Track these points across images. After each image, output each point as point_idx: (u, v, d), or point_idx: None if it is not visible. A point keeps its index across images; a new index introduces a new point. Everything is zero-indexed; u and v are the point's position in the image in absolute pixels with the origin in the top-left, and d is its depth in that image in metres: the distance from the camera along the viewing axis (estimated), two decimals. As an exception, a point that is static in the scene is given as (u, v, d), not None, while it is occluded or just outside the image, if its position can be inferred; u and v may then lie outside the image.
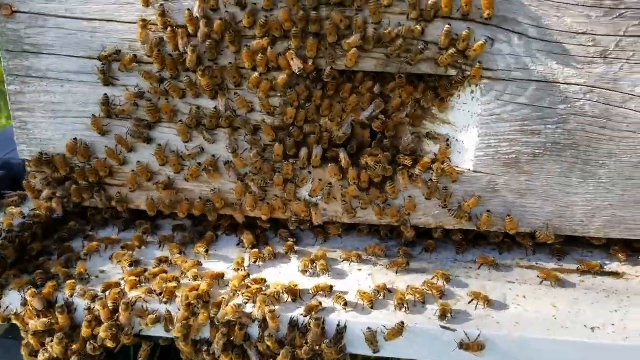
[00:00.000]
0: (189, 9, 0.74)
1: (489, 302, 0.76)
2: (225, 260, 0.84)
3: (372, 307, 0.74)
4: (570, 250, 0.92)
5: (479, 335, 0.71)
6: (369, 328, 0.72)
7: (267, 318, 0.72)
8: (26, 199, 0.88)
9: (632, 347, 0.72)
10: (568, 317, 0.77)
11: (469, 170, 0.82)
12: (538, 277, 0.82)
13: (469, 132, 0.80)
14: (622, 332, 0.74)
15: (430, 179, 0.82)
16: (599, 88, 0.77)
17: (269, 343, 0.72)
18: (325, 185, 0.83)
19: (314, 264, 0.81)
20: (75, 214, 0.89)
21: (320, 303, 0.75)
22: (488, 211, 0.82)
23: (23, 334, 0.76)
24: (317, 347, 0.72)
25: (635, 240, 0.88)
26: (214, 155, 0.82)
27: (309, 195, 0.84)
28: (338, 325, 0.73)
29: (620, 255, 0.89)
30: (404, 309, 0.74)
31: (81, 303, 0.74)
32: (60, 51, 0.78)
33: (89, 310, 0.73)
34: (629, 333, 0.73)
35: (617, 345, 0.72)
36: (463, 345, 0.70)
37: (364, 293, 0.75)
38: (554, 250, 0.88)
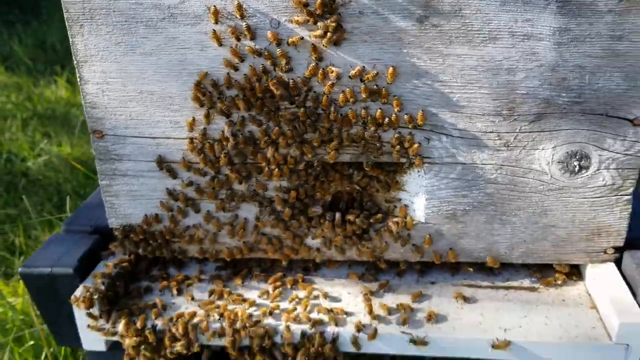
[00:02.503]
0: (222, 131, 1.10)
1: (435, 315, 1.12)
2: (256, 288, 1.21)
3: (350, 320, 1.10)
4: (503, 271, 1.27)
5: (425, 337, 1.07)
6: (353, 335, 1.09)
7: (284, 331, 1.08)
8: (114, 255, 1.25)
9: (528, 342, 1.06)
10: (490, 322, 1.11)
11: (422, 222, 1.16)
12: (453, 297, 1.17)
13: (419, 196, 1.14)
14: (525, 332, 1.09)
15: (396, 230, 1.17)
16: (506, 166, 1.10)
17: (287, 348, 1.09)
18: (322, 236, 1.19)
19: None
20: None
21: (322, 319, 1.12)
22: (434, 250, 1.18)
23: (125, 347, 1.14)
24: (320, 349, 1.09)
25: (548, 264, 1.22)
26: (245, 218, 1.19)
27: (311, 243, 1.20)
28: (333, 334, 1.10)
29: (537, 274, 1.24)
30: (376, 319, 1.11)
31: (162, 326, 1.12)
32: (136, 158, 1.14)
33: (169, 330, 1.10)
34: (528, 333, 1.08)
35: (518, 341, 1.07)
36: (414, 341, 1.06)
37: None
38: (487, 270, 1.24)
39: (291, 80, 1.03)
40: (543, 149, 1.07)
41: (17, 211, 2.53)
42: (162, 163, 1.12)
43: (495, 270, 1.23)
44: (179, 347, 1.08)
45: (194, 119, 1.08)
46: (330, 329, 1.09)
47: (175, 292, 1.18)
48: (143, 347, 1.09)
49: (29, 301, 1.75)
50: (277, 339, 1.09)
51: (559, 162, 1.07)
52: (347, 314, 1.12)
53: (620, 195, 1.10)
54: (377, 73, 1.01)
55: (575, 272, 1.21)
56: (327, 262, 1.25)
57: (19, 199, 2.67)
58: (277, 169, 1.11)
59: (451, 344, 1.06)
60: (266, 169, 1.11)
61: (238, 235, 1.17)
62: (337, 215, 1.16)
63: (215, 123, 1.09)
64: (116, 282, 1.15)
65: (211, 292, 1.18)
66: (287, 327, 1.08)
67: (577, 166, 1.07)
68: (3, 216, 2.49)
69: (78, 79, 1.07)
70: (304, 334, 1.08)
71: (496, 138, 1.06)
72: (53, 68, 4.12)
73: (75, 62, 1.06)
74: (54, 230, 2.36)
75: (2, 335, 1.62)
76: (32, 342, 1.52)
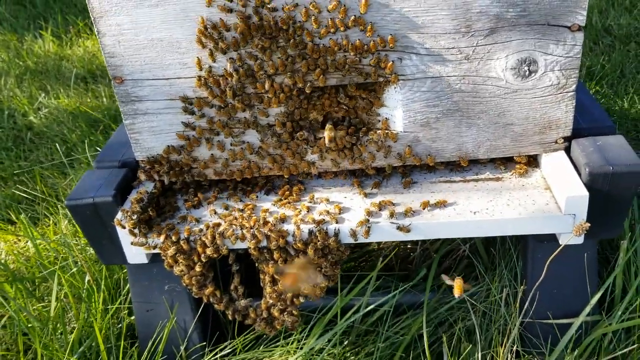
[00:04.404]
0: (225, 68, 1.28)
1: (426, 204, 1.34)
2: (267, 200, 1.43)
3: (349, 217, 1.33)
4: (472, 167, 1.50)
5: (409, 224, 1.30)
6: (351, 229, 1.32)
7: (295, 230, 1.31)
8: (143, 184, 1.45)
9: (493, 220, 1.29)
10: (462, 208, 1.34)
11: (401, 132, 1.37)
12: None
13: (397, 110, 1.35)
14: (491, 212, 1.32)
15: (380, 140, 1.37)
16: (468, 76, 1.29)
17: (299, 244, 1.32)
18: (319, 151, 1.39)
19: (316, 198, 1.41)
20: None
21: (324, 219, 1.34)
22: (414, 155, 1.39)
23: (163, 257, 1.37)
24: (326, 243, 1.32)
25: (510, 157, 1.44)
26: (249, 143, 1.39)
27: (309, 158, 1.41)
28: (335, 230, 1.33)
29: (501, 167, 1.46)
30: (369, 215, 1.34)
31: (194, 237, 1.34)
32: (153, 98, 1.32)
33: (200, 239, 1.33)
34: (494, 212, 1.32)
35: (485, 220, 1.31)
36: (400, 229, 1.29)
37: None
38: (460, 166, 1.46)
39: (279, 17, 1.21)
40: (497, 59, 1.26)
41: (29, 163, 2.72)
42: (185, 99, 1.30)
43: (465, 167, 1.45)
44: (209, 252, 1.31)
45: (199, 59, 1.26)
46: (332, 226, 1.31)
47: (200, 209, 1.39)
48: (179, 255, 1.32)
49: (62, 238, 1.98)
50: (290, 239, 1.32)
51: (511, 68, 1.27)
52: (345, 212, 1.34)
53: (565, 92, 1.30)
54: (346, 8, 1.19)
55: (532, 161, 1.44)
56: (324, 174, 1.46)
57: (29, 151, 2.85)
58: (274, 97, 1.30)
59: (431, 227, 1.30)
60: (265, 97, 1.30)
61: (245, 156, 1.38)
62: (327, 132, 1.36)
63: (218, 62, 1.27)
64: (149, 206, 1.36)
65: (228, 207, 1.40)
66: (297, 227, 1.30)
67: (527, 71, 1.27)
68: (17, 167, 2.67)
69: (96, 33, 1.24)
70: (311, 232, 1.31)
71: (458, 53, 1.25)
72: (36, 23, 4.17)
73: (92, 18, 1.22)
74: (67, 177, 2.56)
75: (49, 266, 1.85)
76: (75, 269, 1.75)
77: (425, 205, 1.33)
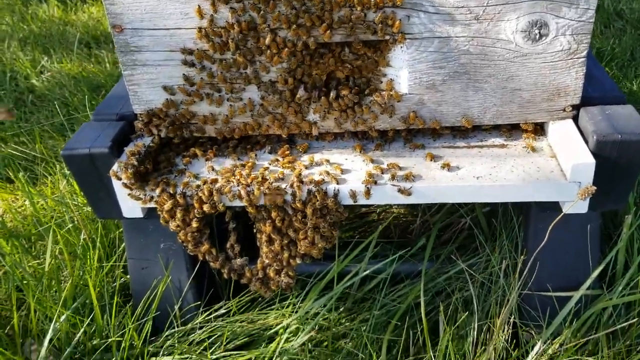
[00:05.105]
0: (227, 20, 1.24)
1: (429, 168, 1.32)
2: (266, 159, 1.41)
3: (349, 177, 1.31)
4: (477, 133, 1.47)
5: (411, 187, 1.28)
6: (351, 189, 1.29)
7: (295, 189, 1.29)
8: (141, 137, 1.43)
9: (496, 185, 1.27)
10: (465, 172, 1.31)
11: (406, 93, 1.34)
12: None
13: (402, 70, 1.31)
14: (494, 178, 1.30)
15: (384, 102, 1.34)
16: (477, 37, 1.26)
17: (297, 204, 1.30)
18: (321, 110, 1.36)
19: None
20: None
21: (324, 179, 1.32)
22: (418, 117, 1.36)
23: (159, 212, 1.35)
24: (324, 203, 1.30)
25: (516, 124, 1.41)
26: (251, 99, 1.36)
27: (311, 118, 1.38)
28: (334, 190, 1.30)
29: (506, 134, 1.43)
30: (370, 177, 1.31)
31: (191, 192, 1.32)
32: (153, 48, 1.29)
33: (196, 195, 1.31)
34: (497, 178, 1.29)
35: (489, 185, 1.28)
36: (401, 191, 1.27)
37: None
38: (465, 132, 1.43)
39: (286, -31, 1.17)
40: (508, 20, 1.22)
41: (30, 125, 2.69)
42: (185, 51, 1.27)
43: (470, 133, 1.42)
44: (206, 208, 1.29)
45: (200, 8, 1.23)
46: (332, 187, 1.29)
47: (197, 165, 1.37)
48: (176, 209, 1.30)
49: (60, 197, 1.96)
50: (288, 198, 1.29)
51: (522, 31, 1.23)
52: (346, 173, 1.32)
53: (576, 58, 1.27)
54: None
55: (539, 130, 1.41)
56: (325, 135, 1.43)
57: (30, 113, 2.82)
58: (277, 53, 1.27)
59: (433, 191, 1.27)
60: (267, 52, 1.27)
61: (246, 113, 1.35)
62: (333, 92, 1.33)
63: (220, 12, 1.24)
64: (146, 159, 1.34)
65: (226, 164, 1.37)
66: (296, 187, 1.28)
67: (538, 34, 1.24)
68: (17, 128, 2.65)
69: (96, -22, 1.21)
70: (310, 192, 1.28)
71: (467, 12, 1.22)
72: (40, -13, 4.12)
73: (92, -38, 1.19)
74: (67, 139, 2.53)
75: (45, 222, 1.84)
76: (71, 225, 1.73)
77: (428, 168, 1.30)
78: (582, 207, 1.27)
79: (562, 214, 1.25)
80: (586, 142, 1.27)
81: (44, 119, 2.71)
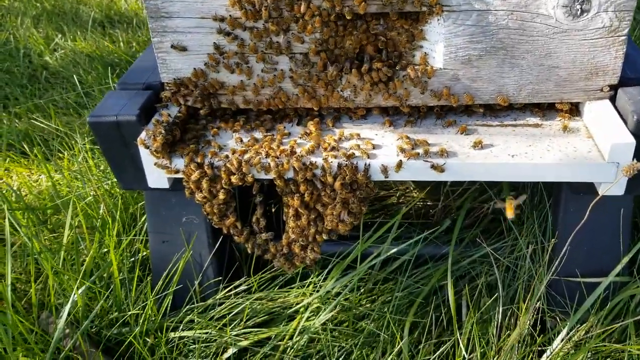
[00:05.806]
0: (262, -15, 1.21)
1: (462, 145, 1.29)
2: (296, 133, 1.38)
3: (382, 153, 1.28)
4: (511, 113, 1.44)
5: (444, 164, 1.25)
6: (382, 164, 1.27)
7: (324, 163, 1.26)
8: (168, 107, 1.40)
9: (532, 164, 1.23)
10: (500, 150, 1.28)
11: (440, 68, 1.31)
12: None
13: (438, 44, 1.28)
14: (530, 157, 1.27)
15: (417, 76, 1.32)
16: (517, 11, 1.22)
17: (328, 177, 1.27)
18: (352, 84, 1.34)
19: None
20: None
21: (355, 153, 1.29)
22: (452, 94, 1.33)
23: (185, 183, 1.32)
24: (355, 177, 1.27)
25: (552, 103, 1.38)
26: (282, 70, 1.33)
27: (341, 91, 1.35)
28: (365, 165, 1.28)
29: (539, 114, 1.40)
30: (403, 153, 1.28)
31: (219, 162, 1.29)
32: (184, 15, 1.26)
33: (225, 165, 1.28)
34: (533, 157, 1.26)
35: (524, 163, 1.25)
36: (434, 167, 1.24)
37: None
38: (498, 111, 1.40)
39: None
40: (550, -6, 1.19)
41: (44, 102, 2.67)
42: (217, 18, 1.24)
43: (503, 112, 1.39)
44: (234, 179, 1.26)
45: (235, -25, 1.20)
46: (363, 161, 1.26)
47: (225, 137, 1.34)
48: (203, 180, 1.27)
49: (77, 173, 1.94)
50: (317, 172, 1.27)
51: (563, 6, 1.20)
52: (377, 149, 1.29)
53: (617, 36, 1.24)
54: None
55: (574, 110, 1.38)
56: (355, 110, 1.40)
57: (44, 90, 2.79)
58: (310, 22, 1.24)
59: (466, 168, 1.24)
60: (300, 21, 1.24)
61: (275, 85, 1.32)
62: (366, 64, 1.31)
63: (255, -22, 1.21)
64: (173, 128, 1.31)
65: (255, 136, 1.34)
66: (326, 160, 1.25)
67: (579, 9, 1.20)
68: (32, 107, 2.62)
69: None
70: (340, 165, 1.26)
71: (509, -15, 1.19)
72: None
73: None
74: (82, 117, 2.51)
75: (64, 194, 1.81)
76: (90, 197, 1.71)
77: (461, 145, 1.27)
78: (619, 189, 1.24)
79: (600, 195, 1.22)
80: (625, 122, 1.24)
81: (58, 96, 2.69)
